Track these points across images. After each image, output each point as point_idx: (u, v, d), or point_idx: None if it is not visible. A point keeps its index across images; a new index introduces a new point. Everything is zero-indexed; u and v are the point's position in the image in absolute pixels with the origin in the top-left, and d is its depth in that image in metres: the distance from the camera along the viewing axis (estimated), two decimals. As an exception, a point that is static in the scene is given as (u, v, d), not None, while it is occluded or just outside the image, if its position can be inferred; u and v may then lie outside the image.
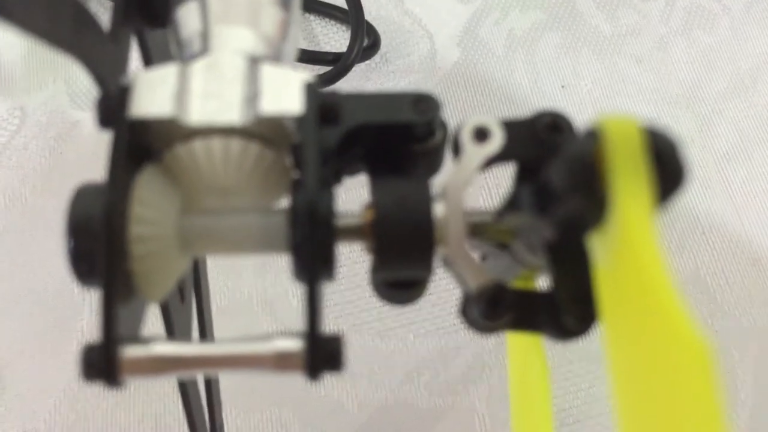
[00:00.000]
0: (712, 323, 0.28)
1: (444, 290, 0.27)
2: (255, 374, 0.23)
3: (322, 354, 0.11)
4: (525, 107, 0.32)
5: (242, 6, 0.13)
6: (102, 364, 0.11)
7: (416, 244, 0.11)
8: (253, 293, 0.28)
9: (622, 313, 0.09)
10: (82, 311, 0.28)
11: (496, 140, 0.12)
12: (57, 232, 0.28)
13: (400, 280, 0.12)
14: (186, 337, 0.16)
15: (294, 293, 0.28)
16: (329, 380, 0.26)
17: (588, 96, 0.32)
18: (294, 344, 0.11)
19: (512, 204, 0.12)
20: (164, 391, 0.26)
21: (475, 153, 0.12)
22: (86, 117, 0.31)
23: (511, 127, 0.12)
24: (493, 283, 0.11)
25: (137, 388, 0.26)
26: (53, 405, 0.26)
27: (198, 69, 0.12)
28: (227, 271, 0.28)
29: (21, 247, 0.28)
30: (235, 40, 0.13)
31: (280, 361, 0.11)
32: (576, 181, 0.09)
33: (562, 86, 0.33)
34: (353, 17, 0.31)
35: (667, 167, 0.09)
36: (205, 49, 0.13)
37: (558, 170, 0.09)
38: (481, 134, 0.12)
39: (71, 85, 0.32)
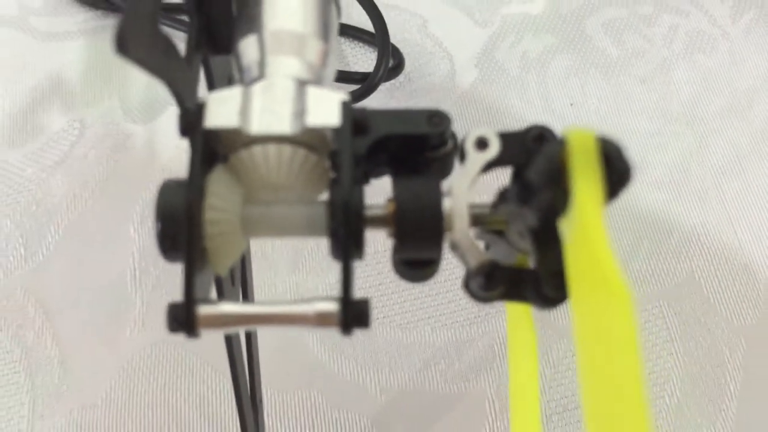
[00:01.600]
0: (705, 321, 0.30)
1: (459, 288, 0.30)
2: (285, 343, 0.26)
3: (353, 314, 0.14)
4: (536, 123, 0.35)
5: (291, 39, 0.16)
6: (183, 318, 0.14)
7: (428, 231, 0.14)
8: (287, 288, 0.31)
9: (579, 279, 0.12)
10: (135, 303, 0.31)
11: (494, 148, 0.15)
12: (114, 232, 0.31)
13: (415, 260, 0.15)
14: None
15: (323, 288, 0.31)
16: (355, 367, 0.29)
17: (595, 113, 0.35)
18: (331, 306, 0.14)
19: (504, 198, 0.15)
20: (206, 372, 0.29)
21: (476, 159, 0.15)
22: (138, 130, 0.34)
23: (506, 138, 0.15)
24: (489, 261, 0.14)
25: (183, 371, 0.29)
26: (109, 385, 0.29)
27: (257, 90, 0.15)
28: (265, 268, 0.31)
29: (81, 246, 0.32)
30: (285, 67, 0.16)
31: (320, 319, 0.14)
32: (547, 176, 0.12)
33: (571, 104, 0.35)
34: (380, 40, 0.34)
35: (614, 166, 0.12)
36: (261, 74, 0.16)
37: (534, 169, 0.12)
38: (482, 143, 0.15)
39: (125, 101, 0.35)
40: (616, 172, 0.12)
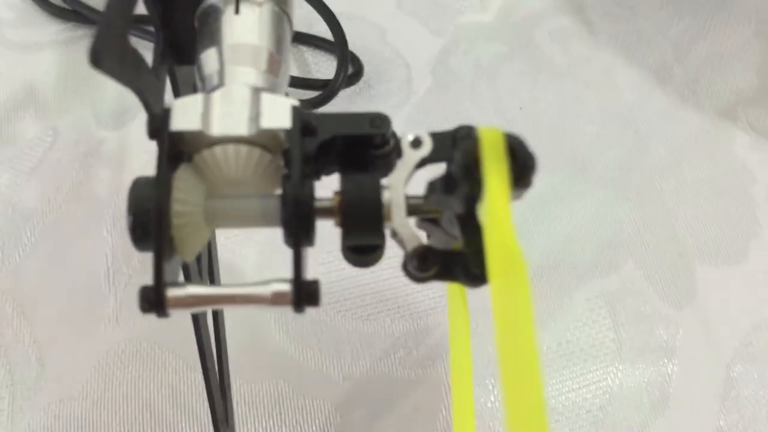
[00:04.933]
0: (645, 300, 0.33)
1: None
2: (252, 334, 0.28)
3: (304, 293, 0.16)
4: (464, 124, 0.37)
5: (247, 51, 0.18)
6: (153, 299, 0.15)
7: (370, 219, 0.16)
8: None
9: (491, 255, 0.14)
10: (109, 301, 0.32)
11: (427, 147, 0.17)
12: (87, 234, 0.33)
13: (361, 246, 0.17)
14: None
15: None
16: (319, 356, 0.31)
17: (543, 116, 0.37)
18: (285, 286, 0.16)
19: (432, 189, 0.17)
20: (178, 365, 0.31)
21: (412, 156, 0.17)
22: (110, 136, 0.36)
23: (438, 137, 0.17)
24: (423, 245, 0.16)
25: (155, 365, 0.31)
26: (85, 379, 0.31)
27: (216, 97, 0.17)
28: (230, 271, 0.33)
29: (57, 246, 0.33)
30: (242, 76, 0.18)
31: (275, 298, 0.16)
32: (464, 169, 0.14)
33: (521, 108, 0.38)
34: (338, 49, 0.36)
35: (518, 157, 0.14)
36: (221, 82, 0.18)
37: (454, 163, 0.14)
38: (417, 143, 0.17)
39: (96, 108, 0.37)
40: (520, 161, 0.14)
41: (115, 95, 0.37)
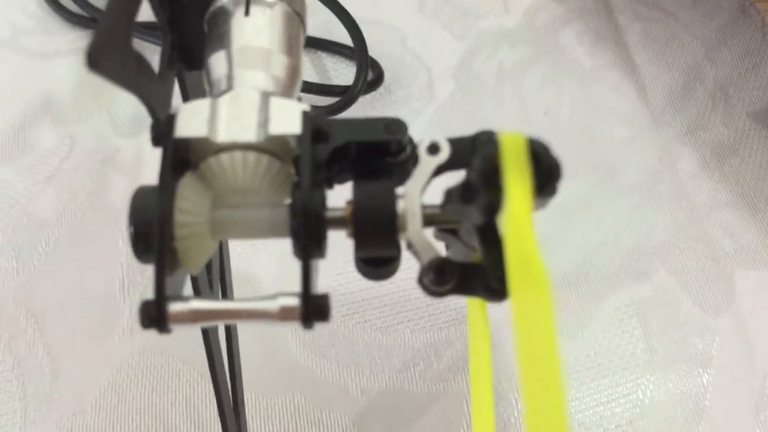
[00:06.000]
0: (678, 308, 0.31)
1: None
2: (267, 347, 0.27)
3: (313, 308, 0.15)
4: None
5: (257, 55, 0.17)
6: (154, 315, 0.15)
7: (383, 230, 0.15)
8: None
9: (512, 268, 0.13)
10: (124, 312, 0.32)
11: (444, 153, 0.16)
12: (103, 243, 0.32)
13: (375, 258, 0.16)
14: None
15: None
16: (336, 369, 0.30)
17: (569, 121, 0.36)
18: (293, 301, 0.15)
19: (450, 198, 0.16)
20: (193, 377, 0.30)
21: (429, 162, 0.16)
22: (126, 144, 0.35)
23: (456, 143, 0.16)
24: (440, 258, 0.15)
25: (170, 377, 0.30)
26: (99, 391, 0.30)
27: (224, 101, 0.16)
28: (246, 282, 0.32)
29: (72, 256, 0.33)
30: (251, 80, 0.17)
31: (283, 313, 0.15)
32: (483, 176, 0.13)
33: (546, 113, 0.37)
34: (358, 55, 0.35)
35: (542, 163, 0.13)
36: (230, 87, 0.17)
37: (473, 170, 0.13)
38: (434, 149, 0.16)
39: (113, 116, 0.36)
40: (543, 168, 0.13)
41: (132, 103, 0.36)
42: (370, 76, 0.36)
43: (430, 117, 0.37)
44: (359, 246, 0.16)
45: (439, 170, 0.16)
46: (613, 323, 0.31)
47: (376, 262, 0.17)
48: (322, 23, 0.38)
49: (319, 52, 0.38)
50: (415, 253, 0.16)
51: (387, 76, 0.37)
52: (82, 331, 0.31)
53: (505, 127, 0.36)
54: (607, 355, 0.31)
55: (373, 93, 0.37)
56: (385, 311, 0.31)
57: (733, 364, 0.30)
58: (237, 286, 0.28)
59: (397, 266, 0.17)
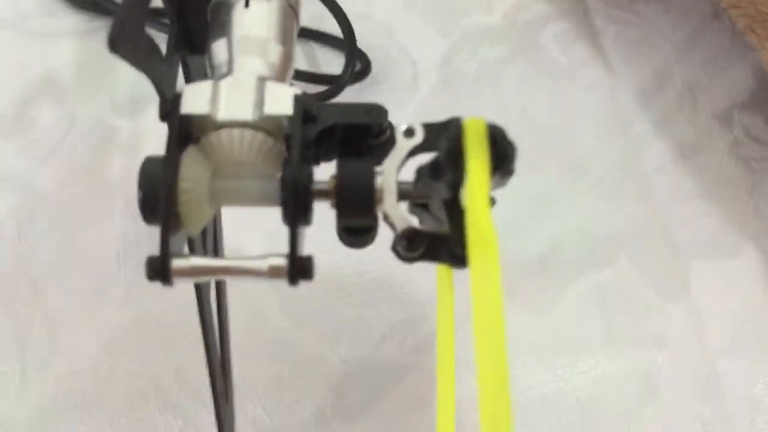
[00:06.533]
0: (637, 293, 0.34)
1: (414, 271, 0.33)
2: (253, 318, 0.29)
3: (298, 267, 0.17)
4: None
5: (255, 43, 0.19)
6: (159, 268, 0.17)
7: (362, 202, 0.18)
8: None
9: (469, 235, 0.15)
10: (119, 282, 0.33)
11: (419, 136, 0.18)
12: (100, 218, 0.34)
13: (355, 227, 0.19)
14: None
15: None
16: (318, 340, 0.32)
17: (543, 118, 0.38)
18: (281, 260, 0.17)
19: (420, 175, 0.18)
20: (183, 345, 0.32)
21: (404, 144, 0.18)
22: (125, 124, 0.37)
23: (430, 128, 0.18)
24: (412, 227, 0.17)
25: (161, 343, 0.32)
26: (94, 354, 0.32)
27: (225, 84, 0.18)
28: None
29: (71, 228, 0.34)
30: (249, 66, 0.19)
31: (272, 272, 0.17)
32: (448, 155, 0.15)
33: (522, 109, 0.39)
34: (347, 46, 0.37)
35: (499, 146, 0.15)
36: (230, 71, 0.19)
37: (440, 149, 0.16)
38: (410, 132, 0.18)
39: (113, 96, 0.38)
40: (500, 150, 0.15)
41: (130, 84, 0.38)
42: (358, 67, 0.38)
43: (414, 108, 0.39)
44: (341, 215, 0.18)
45: (414, 151, 0.18)
46: (576, 306, 0.34)
47: (356, 231, 0.19)
48: (314, 14, 0.40)
49: (311, 42, 0.40)
50: (390, 224, 0.18)
51: (374, 67, 0.39)
52: (79, 298, 0.33)
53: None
54: (569, 335, 0.33)
55: (360, 83, 0.39)
56: (366, 287, 0.34)
57: (685, 346, 0.33)
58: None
59: (374, 235, 0.19)
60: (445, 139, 0.16)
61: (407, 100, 0.39)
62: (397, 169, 0.18)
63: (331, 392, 0.32)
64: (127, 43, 0.16)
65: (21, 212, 0.35)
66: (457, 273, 0.18)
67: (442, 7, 0.42)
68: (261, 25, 0.20)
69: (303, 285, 0.34)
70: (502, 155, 0.15)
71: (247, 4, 0.20)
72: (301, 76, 0.37)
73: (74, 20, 0.40)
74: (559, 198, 0.37)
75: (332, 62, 0.40)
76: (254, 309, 0.33)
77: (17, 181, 0.36)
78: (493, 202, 0.18)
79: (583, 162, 0.37)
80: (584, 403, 0.32)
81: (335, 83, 0.37)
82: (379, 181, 0.18)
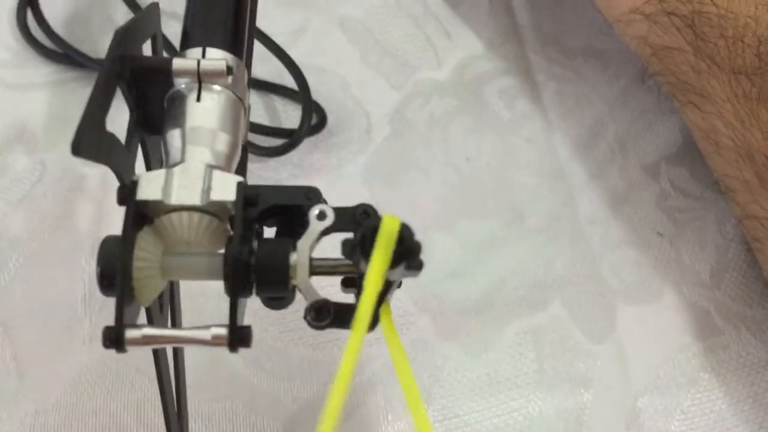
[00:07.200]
0: (568, 335, 0.37)
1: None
2: (211, 358, 0.31)
3: (237, 337, 0.20)
4: (437, 173, 0.41)
5: (205, 134, 0.22)
6: (114, 339, 0.19)
7: (276, 278, 0.20)
8: (216, 313, 0.36)
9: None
10: (84, 324, 0.36)
11: (329, 219, 0.21)
12: (67, 262, 0.36)
13: (274, 297, 0.21)
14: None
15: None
16: (271, 379, 0.35)
17: (487, 167, 0.41)
18: (222, 331, 0.20)
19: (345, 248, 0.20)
20: (144, 384, 0.34)
21: (317, 226, 0.21)
22: (93, 172, 0.39)
23: (340, 212, 0.21)
24: (320, 300, 0.20)
25: (123, 383, 0.34)
26: (60, 393, 0.34)
27: (176, 171, 0.21)
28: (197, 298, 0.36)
29: (39, 273, 0.37)
30: (199, 155, 0.22)
31: (214, 340, 0.20)
32: (361, 241, 0.18)
33: (467, 159, 0.42)
34: (303, 101, 0.40)
35: (405, 244, 0.18)
36: (182, 159, 0.22)
37: (356, 234, 0.19)
38: (322, 215, 0.21)
39: (82, 145, 0.40)
40: (405, 247, 0.18)
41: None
42: (315, 120, 0.41)
43: (367, 158, 0.41)
44: (259, 290, 0.21)
45: (326, 232, 0.21)
46: (512, 346, 0.37)
47: (275, 298, 0.21)
48: (275, 69, 0.43)
49: (271, 95, 0.43)
50: (304, 295, 0.21)
51: (330, 120, 0.42)
52: (47, 339, 0.35)
53: (432, 170, 0.40)
54: (504, 374, 0.36)
55: (317, 135, 0.42)
56: (317, 332, 0.36)
57: (610, 385, 0.36)
58: (190, 302, 0.32)
59: (291, 300, 0.22)
60: (362, 227, 0.18)
61: (361, 151, 0.41)
62: (309, 248, 0.21)
63: (283, 429, 0.34)
64: (89, 146, 0.18)
65: (-8, 255, 0.37)
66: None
67: (394, 62, 0.44)
68: (210, 117, 0.22)
69: (260, 328, 0.36)
70: (405, 252, 0.18)
71: (198, 98, 0.22)
72: (260, 129, 0.40)
73: (46, 71, 0.42)
74: (499, 244, 0.39)
75: (292, 113, 0.43)
76: (210, 349, 0.35)
77: (-12, 225, 0.38)
78: (399, 284, 0.20)
79: (522, 210, 0.40)
80: (517, 438, 0.34)
81: (292, 137, 0.40)
82: (293, 258, 0.20)
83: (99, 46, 0.43)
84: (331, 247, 0.21)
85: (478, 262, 0.39)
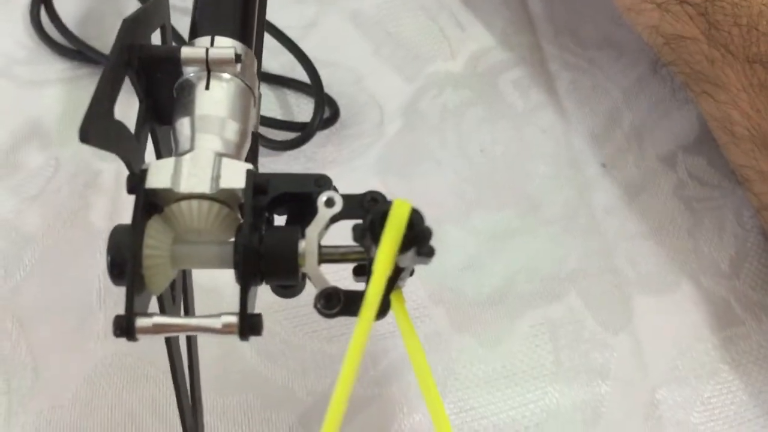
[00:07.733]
0: (583, 326, 0.36)
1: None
2: (226, 352, 0.31)
3: (248, 325, 0.19)
4: (450, 165, 0.41)
5: (214, 122, 0.22)
6: (125, 327, 0.19)
7: (286, 265, 0.20)
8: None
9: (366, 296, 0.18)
10: (99, 318, 0.36)
11: (338, 206, 0.20)
12: (83, 257, 0.36)
13: (283, 284, 0.21)
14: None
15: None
16: (285, 373, 0.35)
17: (501, 158, 0.41)
18: (233, 319, 0.19)
19: (355, 233, 0.20)
20: (159, 378, 0.34)
21: (325, 213, 0.20)
22: (107, 167, 0.40)
23: (349, 199, 0.21)
24: (330, 287, 0.20)
25: (138, 377, 0.34)
26: (75, 388, 0.34)
27: (186, 160, 0.21)
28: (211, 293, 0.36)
29: (54, 268, 0.37)
30: (208, 143, 0.21)
31: (225, 329, 0.19)
32: (370, 225, 0.18)
33: (481, 150, 0.41)
34: (315, 94, 0.40)
35: (415, 229, 0.17)
36: (191, 147, 0.21)
37: (365, 219, 0.18)
38: (330, 202, 0.21)
39: (95, 141, 0.41)
40: (415, 232, 0.18)
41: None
42: (327, 113, 0.41)
43: (380, 151, 0.41)
44: (268, 278, 0.20)
45: (334, 219, 0.20)
46: (528, 338, 0.36)
47: (285, 285, 0.21)
48: (287, 63, 0.43)
49: (284, 89, 0.43)
50: (313, 283, 0.20)
51: (342, 113, 0.42)
52: (62, 334, 0.35)
53: (446, 161, 0.40)
54: (520, 366, 0.36)
55: (330, 128, 0.41)
56: (330, 323, 0.36)
57: (628, 376, 0.35)
58: (203, 297, 0.32)
59: (301, 288, 0.22)
60: (372, 212, 0.18)
61: (374, 143, 0.41)
62: (318, 235, 0.20)
63: (298, 423, 0.34)
64: (97, 133, 0.18)
65: (7, 252, 0.37)
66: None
67: (407, 55, 0.44)
68: (219, 105, 0.22)
69: (274, 322, 0.36)
70: (415, 237, 0.18)
71: (207, 86, 0.22)
72: (273, 123, 0.40)
73: (60, 68, 0.43)
74: (515, 235, 0.39)
75: (304, 107, 0.42)
76: (224, 343, 0.35)
77: (4, 222, 0.38)
78: (412, 272, 0.20)
79: (538, 201, 0.40)
80: (534, 431, 0.34)
81: (305, 130, 0.39)
82: (302, 246, 0.20)
83: (112, 42, 0.43)
84: (343, 238, 0.21)
85: (492, 253, 0.39)
